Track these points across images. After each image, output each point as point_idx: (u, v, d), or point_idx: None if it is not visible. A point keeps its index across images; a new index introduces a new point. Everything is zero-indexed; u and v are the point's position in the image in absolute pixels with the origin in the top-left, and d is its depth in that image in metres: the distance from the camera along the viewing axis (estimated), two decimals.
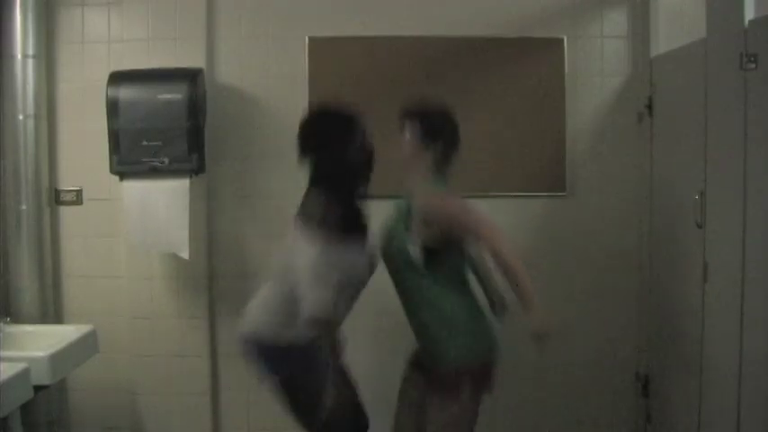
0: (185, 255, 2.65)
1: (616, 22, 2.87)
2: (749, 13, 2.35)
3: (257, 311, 2.14)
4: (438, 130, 2.05)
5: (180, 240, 2.64)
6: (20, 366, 2.02)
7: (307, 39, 2.80)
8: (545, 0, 2.82)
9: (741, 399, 2.24)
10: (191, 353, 2.86)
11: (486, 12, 2.81)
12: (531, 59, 2.76)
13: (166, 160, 2.60)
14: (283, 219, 2.82)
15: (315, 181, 2.02)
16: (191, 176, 2.67)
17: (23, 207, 2.69)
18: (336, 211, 1.97)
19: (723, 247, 2.38)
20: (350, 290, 2.04)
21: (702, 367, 2.47)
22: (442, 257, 2.00)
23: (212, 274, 2.88)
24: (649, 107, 2.78)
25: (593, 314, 2.89)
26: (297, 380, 2.09)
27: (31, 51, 2.68)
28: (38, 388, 2.14)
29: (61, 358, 2.25)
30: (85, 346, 2.45)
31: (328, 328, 2.00)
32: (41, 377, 2.15)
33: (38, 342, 2.32)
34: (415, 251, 1.98)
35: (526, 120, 2.72)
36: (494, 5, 2.82)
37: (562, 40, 2.78)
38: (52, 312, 2.80)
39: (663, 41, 2.83)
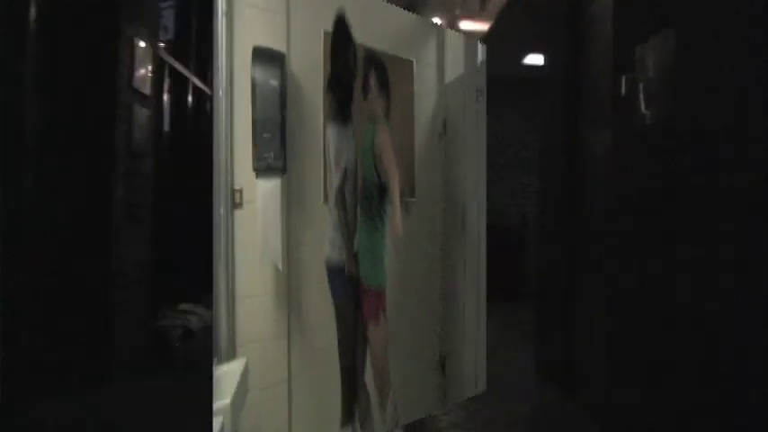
0: (281, 265, 2.39)
1: (429, 50, 3.34)
2: (480, 55, 3.24)
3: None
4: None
5: (276, 248, 2.36)
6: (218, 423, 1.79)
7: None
8: (402, 22, 3.08)
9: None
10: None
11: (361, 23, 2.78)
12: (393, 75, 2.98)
13: (272, 155, 2.30)
14: None
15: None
16: (281, 176, 2.38)
17: (222, 211, 2.16)
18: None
19: (472, 245, 3.33)
20: (349, 180, 2.25)
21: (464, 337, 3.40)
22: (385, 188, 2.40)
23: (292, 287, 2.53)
24: (444, 127, 3.46)
25: (407, 305, 3.13)
26: (338, 311, 2.21)
27: (223, 5, 2.16)
28: None
29: (236, 404, 1.95)
30: (244, 385, 2.11)
31: (345, 214, 2.18)
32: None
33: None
34: (379, 176, 2.35)
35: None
36: (368, 18, 2.81)
37: (412, 62, 3.11)
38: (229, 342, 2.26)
39: (451, 70, 3.47)
